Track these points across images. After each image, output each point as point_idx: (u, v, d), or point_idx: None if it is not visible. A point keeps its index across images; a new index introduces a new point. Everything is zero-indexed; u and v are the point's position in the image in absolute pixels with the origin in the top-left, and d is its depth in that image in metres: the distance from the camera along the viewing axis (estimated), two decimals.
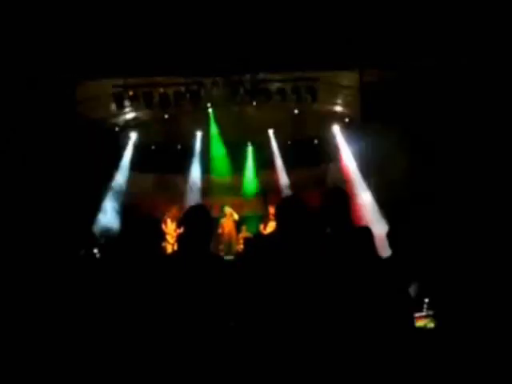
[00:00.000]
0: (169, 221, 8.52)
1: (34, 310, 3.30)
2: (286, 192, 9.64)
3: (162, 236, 7.66)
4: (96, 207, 8.69)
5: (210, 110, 9.54)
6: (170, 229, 8.45)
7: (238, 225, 9.40)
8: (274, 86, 8.46)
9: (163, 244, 7.67)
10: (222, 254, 8.59)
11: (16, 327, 3.29)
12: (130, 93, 8.44)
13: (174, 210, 8.62)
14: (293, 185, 9.95)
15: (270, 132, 10.34)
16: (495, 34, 4.84)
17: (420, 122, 6.26)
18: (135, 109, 9.02)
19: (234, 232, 9.33)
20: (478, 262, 4.03)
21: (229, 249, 9.12)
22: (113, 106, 8.53)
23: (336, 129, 9.78)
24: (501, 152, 5.06)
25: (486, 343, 3.17)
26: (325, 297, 2.49)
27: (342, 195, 2.91)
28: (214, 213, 8.86)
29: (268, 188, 10.22)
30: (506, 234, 4.55)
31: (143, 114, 9.38)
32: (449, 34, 5.19)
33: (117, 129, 9.61)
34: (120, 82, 8.15)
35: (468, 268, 3.95)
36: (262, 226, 8.75)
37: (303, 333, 2.41)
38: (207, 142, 10.31)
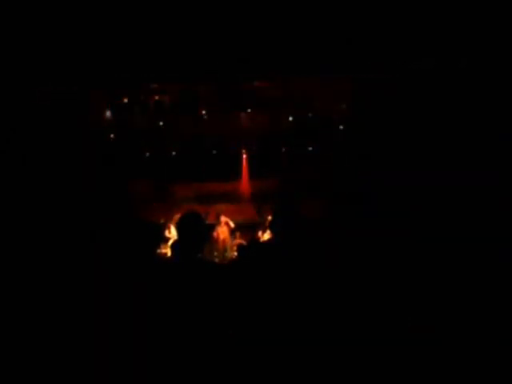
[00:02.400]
0: (172, 227, 8.56)
1: (28, 310, 3.29)
2: (282, 199, 9.63)
3: (161, 241, 7.82)
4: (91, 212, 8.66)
5: (206, 118, 9.53)
6: (174, 235, 8.47)
7: (233, 232, 9.44)
8: (269, 93, 8.48)
9: (164, 250, 7.74)
10: (216, 260, 8.61)
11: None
12: (125, 100, 8.48)
13: (178, 217, 8.62)
14: (289, 192, 9.93)
15: (266, 139, 10.34)
16: (495, 34, 4.83)
17: (417, 127, 6.24)
18: (130, 116, 9.01)
19: (228, 239, 9.38)
20: None
21: (223, 256, 9.14)
22: (108, 113, 8.55)
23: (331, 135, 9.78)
24: (501, 154, 5.04)
25: None
26: (320, 302, 2.49)
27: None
28: (210, 219, 8.90)
29: (263, 195, 10.22)
30: None
31: (138, 122, 9.37)
32: (448, 34, 5.18)
33: (112, 135, 9.58)
34: (115, 89, 8.16)
35: None
36: (259, 233, 8.76)
37: (300, 339, 2.40)
38: (202, 149, 10.31)
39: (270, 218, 7.73)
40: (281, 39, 5.66)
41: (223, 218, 9.46)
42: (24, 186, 5.80)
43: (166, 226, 8.48)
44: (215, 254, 9.15)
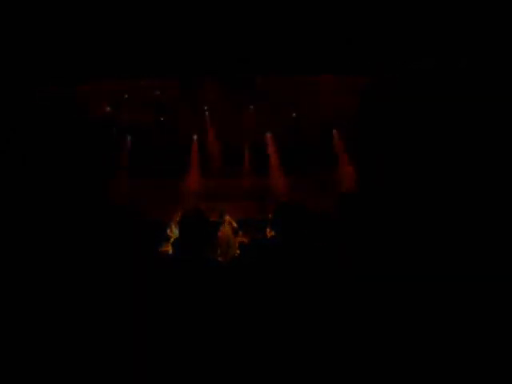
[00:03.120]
0: (173, 225, 8.57)
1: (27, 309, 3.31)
2: (284, 197, 9.60)
3: (162, 239, 7.85)
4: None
5: (207, 113, 9.50)
6: (175, 233, 8.48)
7: (236, 231, 9.41)
8: (272, 88, 8.44)
9: (166, 248, 7.75)
10: (218, 258, 8.60)
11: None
12: (126, 95, 8.47)
13: (179, 215, 8.62)
14: (291, 190, 9.90)
15: (268, 136, 10.29)
16: (495, 34, 4.79)
17: (420, 126, 6.19)
18: (131, 112, 8.99)
19: (231, 237, 9.35)
20: None
21: (225, 253, 9.12)
22: (108, 109, 8.55)
23: (335, 133, 9.75)
24: (503, 156, 4.99)
25: None
26: (320, 299, 2.50)
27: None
28: (213, 217, 8.89)
29: (266, 193, 10.18)
30: None
31: (139, 117, 9.35)
32: (448, 34, 5.14)
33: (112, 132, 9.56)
34: (115, 84, 8.14)
35: None
36: (267, 230, 8.73)
37: (300, 335, 2.41)
38: (205, 146, 10.28)
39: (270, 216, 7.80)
40: (281, 38, 5.63)
41: (227, 218, 9.45)
42: (24, 186, 5.82)
43: (167, 225, 8.48)
44: (217, 252, 9.14)
